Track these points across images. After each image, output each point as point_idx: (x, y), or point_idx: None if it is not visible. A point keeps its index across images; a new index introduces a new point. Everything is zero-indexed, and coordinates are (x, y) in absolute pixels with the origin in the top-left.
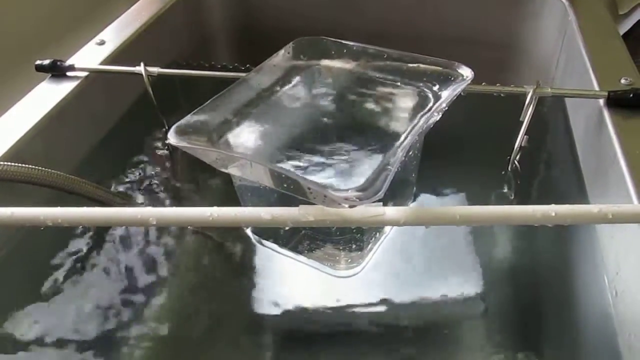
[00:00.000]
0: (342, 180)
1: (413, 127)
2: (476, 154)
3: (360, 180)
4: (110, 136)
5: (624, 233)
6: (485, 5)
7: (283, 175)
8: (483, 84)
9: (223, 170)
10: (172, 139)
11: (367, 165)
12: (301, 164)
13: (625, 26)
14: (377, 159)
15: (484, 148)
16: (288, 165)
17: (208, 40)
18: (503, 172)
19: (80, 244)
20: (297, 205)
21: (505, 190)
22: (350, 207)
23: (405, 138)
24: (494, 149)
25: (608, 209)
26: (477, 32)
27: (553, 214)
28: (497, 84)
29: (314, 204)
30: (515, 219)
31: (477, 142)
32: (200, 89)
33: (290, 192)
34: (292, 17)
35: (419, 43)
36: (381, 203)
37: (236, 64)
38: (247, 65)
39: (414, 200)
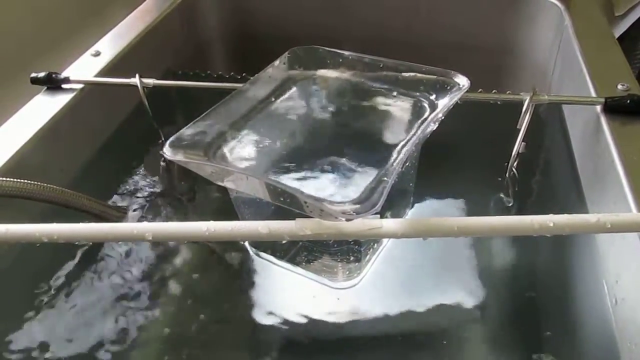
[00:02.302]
0: (338, 193)
1: (410, 138)
2: (474, 161)
3: (357, 193)
4: (106, 148)
5: (623, 241)
6: (481, 10)
7: (279, 189)
8: (480, 90)
9: (219, 183)
10: (167, 153)
11: (364, 178)
12: (297, 176)
13: (622, 28)
14: (374, 170)
15: (481, 155)
16: (284, 178)
17: (204, 49)
18: (500, 179)
19: (76, 255)
20: (294, 217)
21: (504, 197)
22: (347, 220)
23: (402, 149)
24: (491, 156)
25: (606, 219)
26: (473, 37)
27: (551, 224)
28: (494, 90)
29: (311, 217)
30: (513, 230)
31: (474, 149)
32: (196, 99)
33: (286, 205)
34: (288, 24)
35: (415, 48)
36: (378, 215)
37: (232, 73)
38: (244, 74)
39: (412, 208)
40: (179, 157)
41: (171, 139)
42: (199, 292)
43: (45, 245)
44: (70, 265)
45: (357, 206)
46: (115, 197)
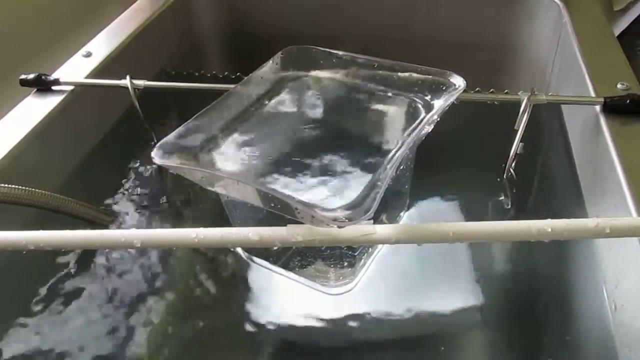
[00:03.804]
0: (331, 198)
1: (404, 141)
2: (471, 162)
3: (349, 198)
4: (97, 151)
5: (622, 246)
6: (479, 7)
7: (270, 195)
8: (477, 89)
9: (209, 188)
10: (156, 157)
11: (357, 182)
12: (289, 180)
13: (622, 25)
14: (367, 174)
15: (479, 156)
16: (276, 183)
17: (198, 48)
18: (499, 180)
19: (69, 259)
20: (287, 221)
21: (502, 198)
22: (339, 227)
23: (396, 153)
24: (489, 156)
25: (605, 223)
26: (470, 35)
27: (549, 230)
28: (492, 89)
29: (303, 222)
30: (510, 235)
31: (472, 149)
32: (190, 100)
33: (278, 211)
34: (283, 23)
35: (413, 47)
36: (372, 220)
37: (227, 73)
38: (238, 74)
39: (408, 210)
40: (167, 162)
41: (159, 143)
42: (191, 298)
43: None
44: (60, 266)
45: (349, 212)
46: (106, 200)
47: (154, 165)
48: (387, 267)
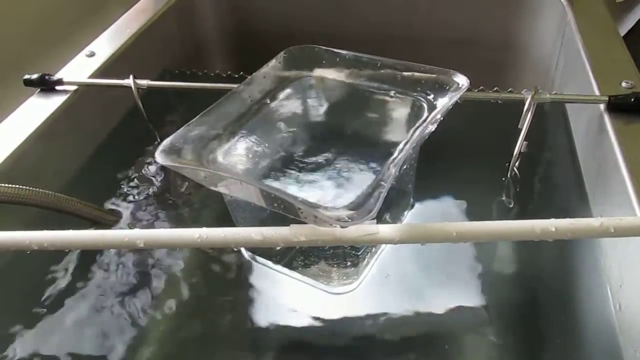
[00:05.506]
0: (334, 197)
1: (407, 141)
2: (475, 161)
3: (352, 198)
4: (101, 151)
5: (627, 245)
6: (482, 5)
7: (273, 195)
8: (481, 88)
9: (213, 188)
10: (159, 158)
11: (360, 181)
12: (292, 180)
13: (628, 24)
14: (371, 174)
15: (482, 154)
16: (279, 183)
17: (201, 47)
18: (503, 179)
19: (70, 257)
20: (291, 220)
21: (505, 197)
22: (342, 227)
23: (399, 152)
24: (493, 155)
25: (610, 223)
26: (474, 34)
27: (553, 229)
28: (495, 88)
29: (306, 222)
30: (513, 235)
31: (475, 148)
32: (194, 99)
33: (281, 211)
34: (285, 22)
35: (416, 45)
36: (375, 220)
37: (230, 72)
38: (241, 73)
39: (412, 209)
40: (170, 162)
41: (163, 143)
42: (193, 297)
43: None
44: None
45: (352, 212)
46: (110, 200)
47: (158, 165)
48: (390, 266)
